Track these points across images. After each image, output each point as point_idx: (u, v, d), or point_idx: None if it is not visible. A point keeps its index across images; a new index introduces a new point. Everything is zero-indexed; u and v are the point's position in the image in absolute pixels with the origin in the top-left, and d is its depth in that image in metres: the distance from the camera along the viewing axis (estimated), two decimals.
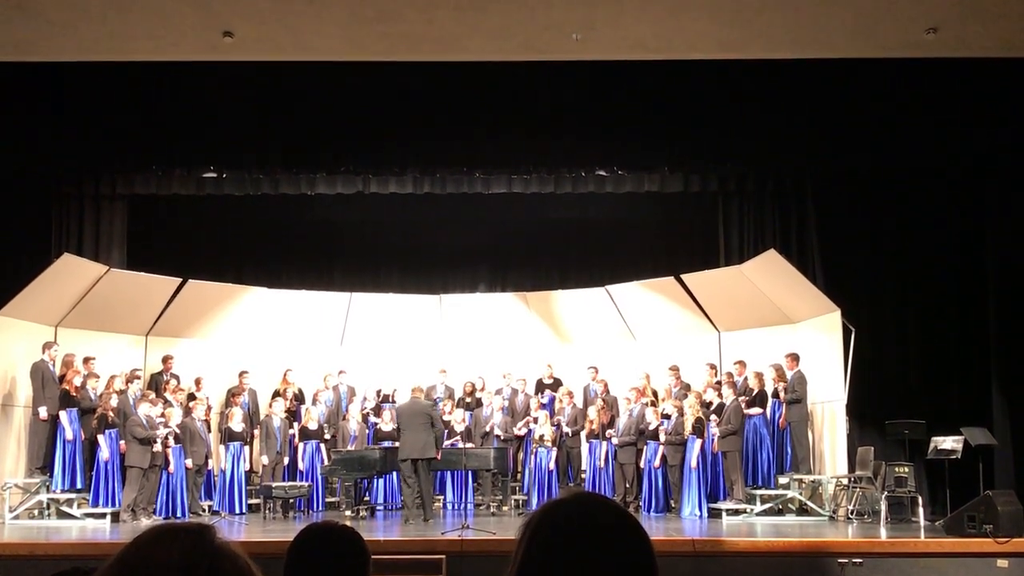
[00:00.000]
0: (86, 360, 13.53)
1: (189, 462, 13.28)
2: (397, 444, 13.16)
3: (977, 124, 12.92)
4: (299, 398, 15.39)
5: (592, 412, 14.38)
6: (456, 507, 14.55)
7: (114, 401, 12.98)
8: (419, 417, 12.59)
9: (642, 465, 13.74)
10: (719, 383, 13.75)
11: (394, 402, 14.82)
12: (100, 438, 12.70)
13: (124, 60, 12.28)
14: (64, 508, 12.73)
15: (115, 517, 12.43)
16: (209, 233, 16.40)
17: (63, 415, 12.81)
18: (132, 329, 14.91)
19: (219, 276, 15.51)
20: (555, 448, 14.32)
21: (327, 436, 14.89)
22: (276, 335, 16.13)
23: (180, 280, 14.76)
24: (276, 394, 15.09)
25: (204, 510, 13.78)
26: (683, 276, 14.82)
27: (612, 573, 1.60)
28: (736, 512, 12.61)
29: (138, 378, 13.97)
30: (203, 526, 1.53)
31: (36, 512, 12.88)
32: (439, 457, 13.09)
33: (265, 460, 14.21)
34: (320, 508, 14.50)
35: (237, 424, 14.10)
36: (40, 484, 12.83)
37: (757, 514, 12.65)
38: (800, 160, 13.91)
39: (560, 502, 1.70)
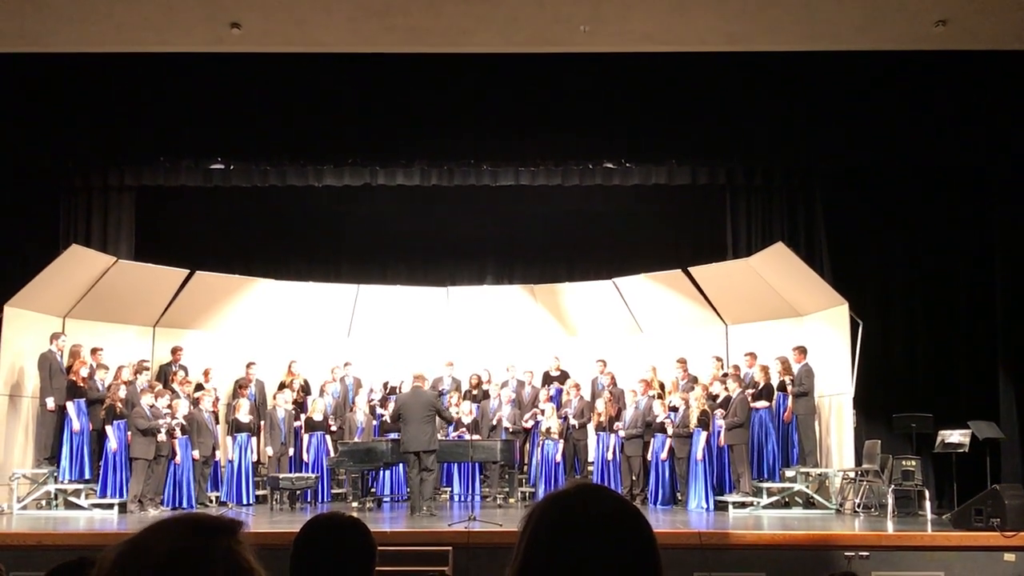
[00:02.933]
0: (94, 351, 13.56)
1: (196, 453, 13.31)
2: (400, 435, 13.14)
3: (986, 117, 12.88)
4: (306, 389, 15.42)
5: (599, 404, 14.38)
6: (463, 499, 14.57)
7: (122, 392, 13.00)
8: (423, 409, 12.51)
9: (649, 458, 13.75)
10: (726, 376, 13.73)
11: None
12: (108, 429, 12.72)
13: (132, 52, 12.29)
14: (72, 499, 12.78)
15: (122, 508, 12.46)
16: (217, 225, 16.38)
17: (70, 406, 12.84)
18: (140, 320, 14.94)
19: (226, 268, 15.53)
20: (562, 440, 14.33)
21: (333, 428, 14.91)
22: (283, 327, 16.15)
23: (188, 271, 14.77)
24: (282, 386, 15.12)
25: (211, 501, 13.82)
26: (690, 269, 14.80)
27: (615, 564, 1.59)
28: (743, 505, 12.61)
29: (147, 369, 13.99)
30: (235, 522, 1.53)
31: (44, 502, 12.94)
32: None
33: (270, 451, 14.24)
34: (326, 499, 14.52)
35: (244, 415, 14.13)
36: (48, 474, 12.87)
37: (764, 507, 12.66)
38: (808, 153, 13.87)
39: (562, 493, 1.69)
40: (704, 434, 12.93)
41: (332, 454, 14.33)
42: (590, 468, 14.69)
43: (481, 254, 17.29)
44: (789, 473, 13.17)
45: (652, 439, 13.65)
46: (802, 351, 13.36)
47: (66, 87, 13.02)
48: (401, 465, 13.96)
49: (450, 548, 9.22)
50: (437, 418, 12.83)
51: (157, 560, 1.44)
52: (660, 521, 11.44)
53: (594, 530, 1.61)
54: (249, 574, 1.51)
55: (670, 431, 13.31)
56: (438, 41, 11.92)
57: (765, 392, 13.22)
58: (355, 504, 13.63)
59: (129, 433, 12.73)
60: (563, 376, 15.65)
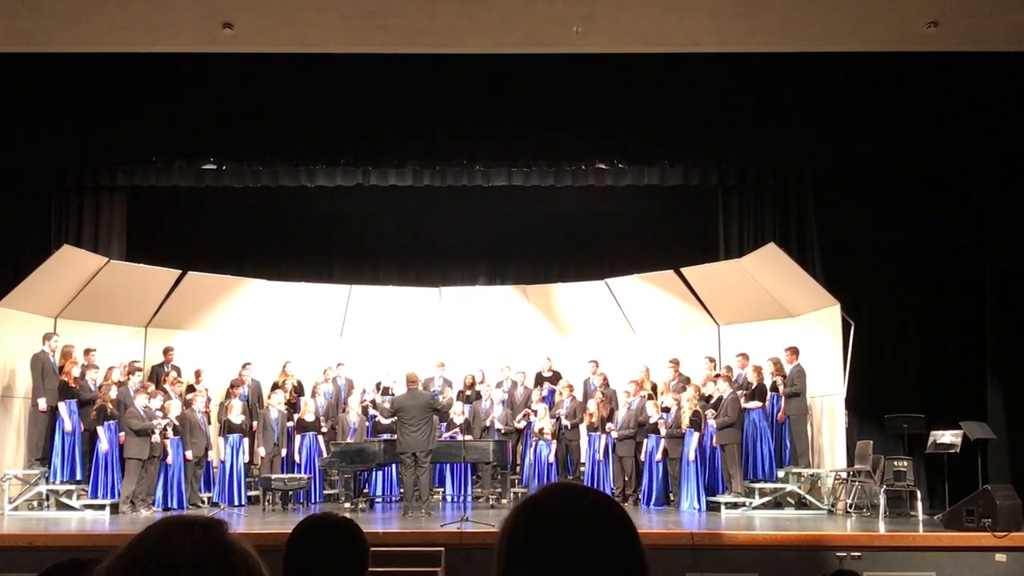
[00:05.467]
0: (87, 352, 13.53)
1: (189, 454, 13.29)
2: (395, 436, 13.12)
3: (978, 118, 12.90)
4: (299, 390, 15.40)
5: (591, 405, 14.38)
6: (455, 500, 14.57)
7: (113, 393, 12.98)
8: (422, 411, 12.53)
9: (642, 458, 13.75)
10: (718, 376, 13.74)
11: (393, 395, 14.79)
12: (99, 430, 12.69)
13: (124, 52, 12.27)
14: (63, 499, 12.76)
15: (114, 509, 12.44)
16: (209, 225, 16.37)
17: (62, 406, 12.81)
18: (132, 321, 14.91)
19: (218, 268, 15.51)
20: (554, 441, 14.34)
21: (324, 428, 14.89)
22: (276, 327, 16.13)
23: (179, 272, 14.76)
24: (275, 386, 15.11)
25: (203, 502, 13.80)
26: (683, 269, 14.82)
27: (597, 564, 1.55)
28: (735, 506, 12.62)
29: (139, 370, 13.97)
30: (215, 520, 1.53)
31: (35, 503, 12.90)
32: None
33: (262, 452, 14.22)
34: (319, 500, 14.51)
35: (236, 416, 14.10)
36: (39, 475, 12.84)
37: (756, 508, 12.67)
38: (800, 154, 13.90)
39: (535, 497, 1.66)
40: (696, 435, 12.94)
41: (324, 455, 14.32)
42: (582, 469, 14.69)
43: (474, 255, 17.30)
44: (781, 474, 13.18)
45: (645, 440, 13.65)
46: (794, 352, 13.37)
47: (58, 87, 12.97)
48: (394, 466, 13.96)
49: (442, 549, 9.22)
50: (434, 418, 12.87)
51: (183, 565, 1.44)
52: (653, 522, 11.46)
53: (573, 529, 1.57)
54: (259, 568, 1.52)
55: (663, 432, 13.31)
56: (431, 41, 11.91)
57: (758, 393, 13.23)
58: (347, 505, 13.63)
59: (122, 434, 12.71)
60: (555, 377, 15.65)
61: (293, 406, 14.96)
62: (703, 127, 13.47)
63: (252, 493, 14.32)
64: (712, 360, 14.50)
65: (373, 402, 15.23)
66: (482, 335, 16.73)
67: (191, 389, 14.25)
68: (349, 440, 14.17)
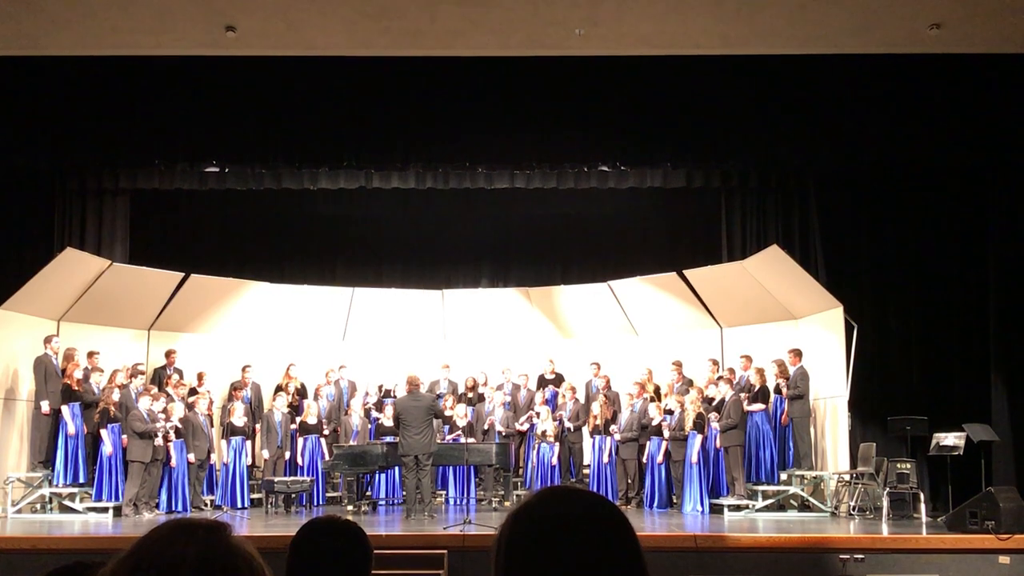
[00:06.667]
0: (90, 354, 13.52)
1: (191, 456, 13.28)
2: (397, 439, 13.12)
3: (980, 120, 12.91)
4: (301, 393, 15.39)
5: (595, 407, 14.38)
6: (458, 502, 14.56)
7: (116, 395, 12.98)
8: (423, 413, 12.53)
9: (644, 460, 13.74)
10: (720, 379, 13.73)
11: (395, 397, 14.77)
12: (103, 432, 12.69)
13: (127, 54, 12.29)
14: (66, 502, 12.75)
15: (117, 511, 12.43)
16: (211, 227, 16.38)
17: (65, 409, 12.80)
18: (134, 323, 14.91)
19: (221, 270, 15.49)
20: (557, 443, 14.33)
21: (327, 431, 14.89)
22: (278, 330, 16.13)
23: (182, 274, 14.75)
24: (278, 388, 15.11)
25: (206, 504, 13.79)
26: (685, 272, 14.81)
27: (595, 567, 1.54)
28: (738, 508, 12.61)
29: (142, 373, 13.97)
30: (219, 523, 1.54)
31: (38, 506, 12.91)
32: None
33: (266, 454, 14.23)
34: (322, 503, 14.51)
35: (239, 418, 14.10)
36: (42, 478, 12.84)
37: (759, 510, 12.66)
38: (803, 156, 13.90)
39: (528, 503, 1.65)
40: (699, 437, 12.93)
41: (327, 457, 14.32)
42: (586, 471, 14.68)
43: (476, 257, 17.30)
44: (783, 476, 13.17)
45: (648, 442, 13.64)
46: (797, 354, 13.36)
47: (61, 90, 13.00)
48: (396, 468, 13.95)
49: (445, 551, 9.21)
50: (434, 420, 12.88)
51: (187, 567, 1.44)
52: (656, 524, 11.47)
53: (570, 532, 1.56)
54: (262, 571, 1.53)
55: (666, 434, 13.30)
56: (433, 44, 11.93)
57: (760, 395, 13.21)
58: (350, 507, 13.63)
59: (125, 436, 12.70)
60: (558, 379, 15.65)
61: (295, 408, 14.95)
62: (705, 129, 13.48)
63: (255, 496, 14.32)
64: (715, 362, 14.49)
65: (378, 404, 15.22)
66: (485, 337, 16.72)
67: (193, 392, 14.23)
68: (351, 443, 14.16)
